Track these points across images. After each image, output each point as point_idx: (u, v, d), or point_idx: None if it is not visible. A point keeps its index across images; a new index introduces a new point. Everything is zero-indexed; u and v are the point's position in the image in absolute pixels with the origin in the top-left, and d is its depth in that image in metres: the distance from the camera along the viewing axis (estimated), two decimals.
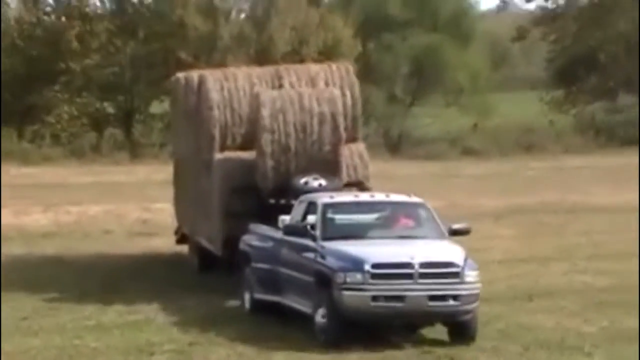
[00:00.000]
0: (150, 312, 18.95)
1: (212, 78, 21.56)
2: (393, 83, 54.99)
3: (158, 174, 39.29)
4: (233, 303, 19.30)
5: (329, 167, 19.70)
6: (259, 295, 18.38)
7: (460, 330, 16.72)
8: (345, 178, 20.23)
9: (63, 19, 51.93)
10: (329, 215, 17.54)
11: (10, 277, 22.51)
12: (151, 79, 51.56)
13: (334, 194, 18.60)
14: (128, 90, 52.16)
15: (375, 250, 16.68)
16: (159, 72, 50.82)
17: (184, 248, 23.80)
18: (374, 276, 16.29)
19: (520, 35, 60.68)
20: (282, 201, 19.31)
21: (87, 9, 52.27)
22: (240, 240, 19.15)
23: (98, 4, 53.06)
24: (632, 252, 24.49)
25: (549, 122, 54.81)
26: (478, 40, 61.48)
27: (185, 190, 23.66)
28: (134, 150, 49.89)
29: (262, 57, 43.16)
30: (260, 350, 16.49)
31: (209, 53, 49.87)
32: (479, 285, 16.66)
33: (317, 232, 17.30)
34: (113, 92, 52.30)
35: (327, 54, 45.16)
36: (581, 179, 39.52)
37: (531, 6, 59.43)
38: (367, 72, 47.64)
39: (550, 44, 60.00)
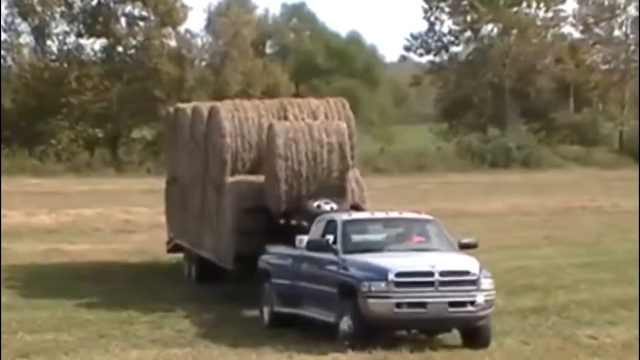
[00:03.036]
0: (132, 294, 18.73)
1: (224, 109, 18.66)
2: None
3: (137, 185, 39.17)
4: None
5: (337, 191, 17.23)
6: (278, 309, 15.77)
7: (475, 335, 14.41)
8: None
9: (65, 64, 51.81)
10: (348, 231, 15.16)
11: (21, 265, 22.27)
12: (133, 111, 51.59)
13: (350, 212, 16.28)
14: (114, 120, 51.97)
15: (396, 261, 14.36)
16: (139, 106, 50.98)
17: (161, 243, 22.37)
18: (398, 284, 14.02)
19: (416, 81, 61.08)
20: (293, 222, 16.88)
21: (83, 57, 52.24)
22: (259, 260, 16.51)
23: (92, 53, 52.98)
24: (497, 246, 24.62)
25: (437, 148, 55.18)
26: (384, 85, 61.86)
27: (184, 207, 20.55)
28: (119, 166, 49.67)
29: (219, 96, 42.97)
30: (220, 321, 16.26)
31: (178, 92, 49.74)
32: (493, 292, 14.53)
33: (338, 246, 14.92)
34: (103, 121, 52.16)
35: (269, 94, 45.15)
36: (460, 191, 39.67)
37: (424, 60, 60.04)
38: None
39: (438, 89, 60.62)
